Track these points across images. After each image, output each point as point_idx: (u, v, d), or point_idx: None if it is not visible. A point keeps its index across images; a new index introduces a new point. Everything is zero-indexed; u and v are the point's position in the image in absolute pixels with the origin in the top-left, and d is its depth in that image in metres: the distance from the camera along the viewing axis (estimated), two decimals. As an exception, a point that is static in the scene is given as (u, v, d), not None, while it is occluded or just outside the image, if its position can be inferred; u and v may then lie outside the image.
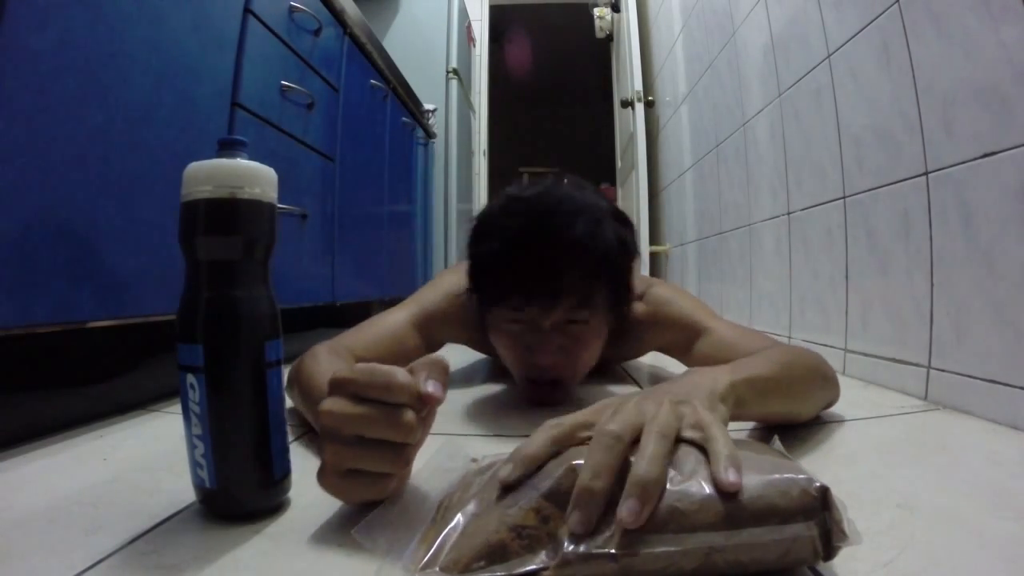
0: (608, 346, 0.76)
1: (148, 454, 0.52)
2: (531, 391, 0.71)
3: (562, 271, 0.61)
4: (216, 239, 0.35)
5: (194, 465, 0.36)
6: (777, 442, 0.35)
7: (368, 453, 0.33)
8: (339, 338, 0.69)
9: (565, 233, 0.61)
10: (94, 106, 0.60)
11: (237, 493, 0.36)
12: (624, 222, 0.70)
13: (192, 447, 0.36)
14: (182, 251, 0.36)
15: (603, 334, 0.69)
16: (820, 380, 0.59)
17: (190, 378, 0.34)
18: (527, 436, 0.56)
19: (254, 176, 0.35)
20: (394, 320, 0.76)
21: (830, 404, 0.63)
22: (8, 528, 0.36)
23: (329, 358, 0.57)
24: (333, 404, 0.32)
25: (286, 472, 0.39)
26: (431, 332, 0.77)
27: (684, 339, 0.75)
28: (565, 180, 0.70)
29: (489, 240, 0.64)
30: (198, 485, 0.36)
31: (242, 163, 0.36)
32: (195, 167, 0.35)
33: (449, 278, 0.83)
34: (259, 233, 0.36)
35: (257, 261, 0.36)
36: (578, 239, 0.61)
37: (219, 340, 0.35)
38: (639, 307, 0.78)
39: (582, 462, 0.29)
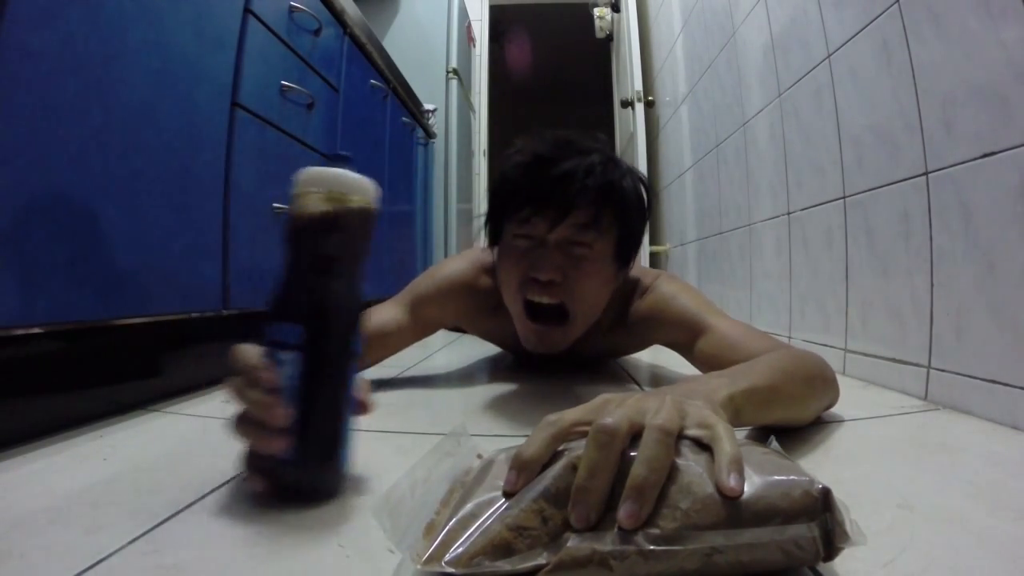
0: (611, 336, 0.76)
1: (148, 454, 0.52)
2: (529, 327, 0.72)
3: (573, 188, 0.65)
4: (328, 236, 0.38)
5: None
6: (774, 442, 0.35)
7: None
8: None
9: (582, 157, 0.67)
10: (94, 106, 0.60)
11: (311, 467, 0.38)
12: (642, 180, 0.75)
13: None
14: (287, 243, 0.39)
15: (606, 272, 0.71)
16: (821, 387, 0.58)
17: (284, 355, 0.37)
18: (527, 436, 0.56)
19: (362, 186, 0.40)
20: (384, 312, 0.81)
21: (829, 407, 0.62)
22: (8, 528, 0.36)
23: None
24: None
25: (347, 462, 0.40)
26: (420, 314, 0.82)
27: (686, 336, 0.75)
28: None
29: (514, 157, 0.70)
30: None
31: (351, 174, 0.39)
32: (312, 172, 0.39)
33: (444, 266, 0.85)
34: (362, 235, 0.40)
35: (356, 260, 0.40)
36: (593, 165, 0.67)
37: (320, 324, 0.38)
38: (645, 299, 0.79)
39: (579, 455, 0.29)
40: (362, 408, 0.42)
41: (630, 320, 0.80)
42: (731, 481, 0.27)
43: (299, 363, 0.37)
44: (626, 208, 0.70)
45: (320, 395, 0.38)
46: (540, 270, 0.67)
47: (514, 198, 0.69)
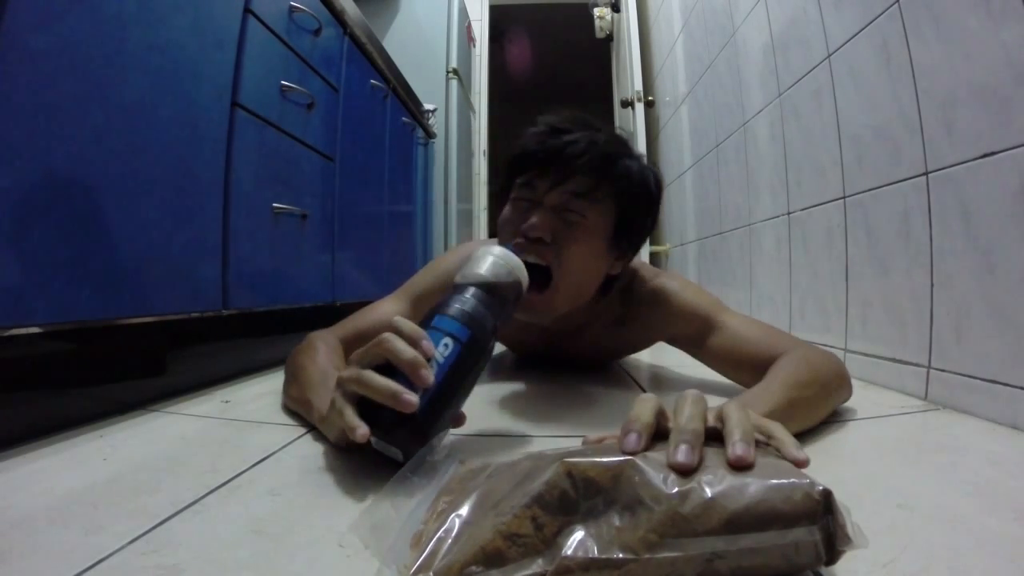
0: (613, 332, 0.76)
1: (148, 454, 0.52)
2: None
3: (573, 154, 0.68)
4: (503, 284, 0.53)
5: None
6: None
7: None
8: (333, 329, 0.74)
9: (592, 132, 0.70)
10: (94, 106, 0.60)
11: (418, 434, 0.43)
12: (656, 174, 0.76)
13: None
14: (474, 282, 0.51)
15: (596, 246, 0.72)
16: (836, 390, 0.62)
17: (447, 340, 0.46)
18: (528, 437, 0.56)
19: (520, 267, 0.56)
20: (386, 307, 0.80)
21: (844, 402, 0.65)
22: (8, 528, 0.36)
23: (326, 355, 0.64)
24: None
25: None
26: (422, 307, 0.81)
27: (695, 331, 0.76)
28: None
29: (532, 128, 0.74)
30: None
31: (514, 257, 0.55)
32: (498, 252, 0.55)
33: (445, 259, 0.86)
34: (517, 293, 0.55)
35: (505, 311, 0.53)
36: (599, 139, 0.69)
37: (478, 332, 0.48)
38: (648, 290, 0.80)
39: (573, 461, 0.29)
40: (460, 419, 0.49)
41: (632, 313, 0.81)
42: (737, 450, 0.28)
43: (454, 352, 0.46)
44: (626, 188, 0.71)
45: (458, 377, 0.46)
46: (530, 226, 0.68)
47: (521, 162, 0.73)
